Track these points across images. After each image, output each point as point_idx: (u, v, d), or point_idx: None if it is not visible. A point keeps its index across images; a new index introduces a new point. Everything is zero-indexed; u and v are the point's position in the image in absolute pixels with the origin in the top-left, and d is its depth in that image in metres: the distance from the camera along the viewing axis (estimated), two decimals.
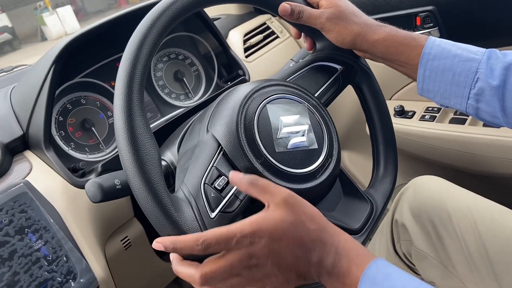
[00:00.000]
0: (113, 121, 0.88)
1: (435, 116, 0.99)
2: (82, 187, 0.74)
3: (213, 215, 0.53)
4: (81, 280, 0.67)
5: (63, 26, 11.58)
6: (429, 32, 0.93)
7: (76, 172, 0.77)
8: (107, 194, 0.59)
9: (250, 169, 0.56)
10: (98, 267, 0.69)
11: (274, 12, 0.69)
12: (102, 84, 0.88)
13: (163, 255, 0.94)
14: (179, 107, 0.98)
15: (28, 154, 0.77)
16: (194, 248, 0.46)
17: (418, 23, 0.93)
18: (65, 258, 0.67)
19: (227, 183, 0.55)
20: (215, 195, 0.54)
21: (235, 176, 0.52)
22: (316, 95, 0.69)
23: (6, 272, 0.62)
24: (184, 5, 0.59)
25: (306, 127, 0.61)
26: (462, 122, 0.95)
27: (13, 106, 0.80)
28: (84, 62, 0.87)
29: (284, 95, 0.63)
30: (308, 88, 0.68)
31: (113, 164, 0.77)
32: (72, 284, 0.66)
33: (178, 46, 1.01)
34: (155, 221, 0.50)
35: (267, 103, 0.61)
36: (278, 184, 0.56)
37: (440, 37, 0.91)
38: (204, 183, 0.54)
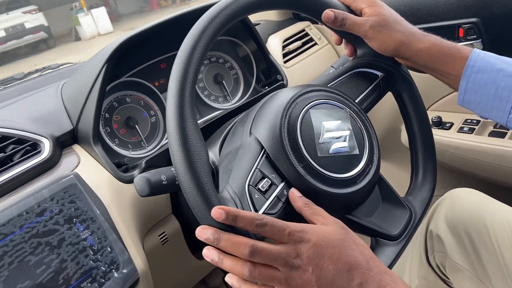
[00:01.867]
0: (154, 120, 0.92)
1: (474, 129, 0.99)
2: (126, 181, 0.77)
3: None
4: (124, 271, 0.69)
5: (97, 26, 11.89)
6: (471, 44, 0.92)
7: (120, 167, 0.80)
8: (154, 189, 0.62)
9: (292, 173, 0.57)
10: (139, 259, 0.72)
11: (317, 19, 0.70)
12: (147, 83, 0.91)
13: (196, 252, 0.96)
14: (218, 109, 1.00)
15: (76, 148, 0.81)
16: (252, 222, 0.49)
17: (461, 34, 0.92)
18: (109, 249, 0.69)
19: (270, 185, 0.57)
20: (259, 196, 0.56)
21: (294, 194, 0.56)
22: (357, 101, 0.70)
23: (55, 259, 0.65)
24: (234, 11, 0.61)
25: (347, 132, 0.63)
26: (502, 135, 0.94)
27: (64, 101, 0.84)
28: (131, 62, 0.90)
29: (326, 100, 0.64)
30: (349, 94, 0.69)
31: (156, 161, 0.80)
32: (115, 274, 0.68)
33: (219, 50, 1.03)
34: (203, 219, 0.52)
35: (310, 108, 0.63)
36: (320, 188, 0.57)
37: (483, 49, 0.91)
38: (249, 185, 0.56)
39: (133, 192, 0.78)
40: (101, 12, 12.00)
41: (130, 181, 0.78)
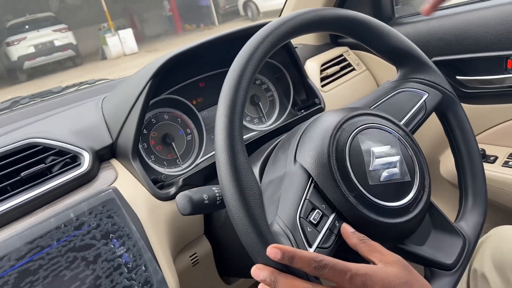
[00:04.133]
0: (190, 138, 0.91)
1: None
2: (162, 199, 0.76)
3: (311, 250, 0.52)
4: None
5: (122, 47, 12.19)
6: None
7: (156, 184, 0.78)
8: (195, 208, 0.60)
9: (344, 203, 0.55)
10: (172, 280, 0.70)
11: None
12: (186, 102, 0.91)
13: (223, 276, 0.93)
14: (253, 130, 0.99)
15: (114, 162, 0.80)
16: (310, 263, 0.46)
17: (509, 66, 0.90)
18: (143, 268, 0.67)
19: (321, 216, 0.54)
20: (312, 229, 0.53)
21: (346, 230, 0.53)
22: (402, 122, 0.68)
23: (90, 275, 0.63)
24: (284, 32, 0.61)
25: (398, 158, 0.60)
26: None
27: (105, 116, 0.84)
28: (170, 80, 0.90)
29: (374, 124, 0.62)
30: (394, 116, 0.66)
31: (193, 179, 0.79)
32: None
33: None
34: (258, 257, 0.50)
35: (358, 134, 0.60)
36: (373, 219, 0.55)
37: None
38: (300, 217, 0.54)
39: (168, 210, 0.76)
40: (127, 33, 12.31)
41: (166, 198, 0.76)
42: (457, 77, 1.00)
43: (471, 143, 0.73)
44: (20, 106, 1.12)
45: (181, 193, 0.60)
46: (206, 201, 0.61)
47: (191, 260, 0.84)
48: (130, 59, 11.18)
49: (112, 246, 0.66)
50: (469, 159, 0.72)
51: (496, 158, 1.00)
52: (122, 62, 10.90)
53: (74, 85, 1.25)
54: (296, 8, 1.19)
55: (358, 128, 0.61)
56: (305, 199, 0.55)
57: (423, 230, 0.63)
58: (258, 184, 0.53)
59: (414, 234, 0.61)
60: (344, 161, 0.57)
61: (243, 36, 0.87)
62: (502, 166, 0.98)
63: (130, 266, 0.67)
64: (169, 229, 0.76)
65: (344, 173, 0.56)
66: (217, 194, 0.62)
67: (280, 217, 0.55)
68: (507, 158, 0.98)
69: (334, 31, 0.70)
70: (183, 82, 0.92)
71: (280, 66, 1.03)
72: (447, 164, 1.09)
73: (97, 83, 1.27)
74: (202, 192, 0.61)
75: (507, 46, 0.90)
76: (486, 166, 0.99)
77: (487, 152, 1.02)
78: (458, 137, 0.73)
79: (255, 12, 12.55)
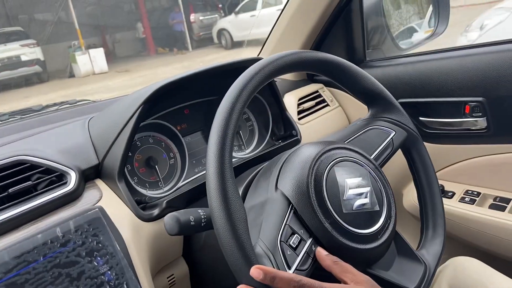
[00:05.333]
0: (173, 162, 0.95)
1: (475, 200, 1.04)
2: (145, 219, 0.79)
3: (290, 272, 0.56)
4: None
5: (92, 66, 12.07)
6: (475, 120, 1.00)
7: (139, 205, 0.81)
8: (182, 229, 0.63)
9: (320, 229, 0.60)
10: None
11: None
12: (171, 127, 0.95)
13: None
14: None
15: (99, 182, 0.83)
16: (289, 283, 0.51)
17: (467, 111, 1.00)
18: (125, 286, 0.70)
19: (300, 241, 0.60)
20: (291, 252, 0.58)
21: (320, 253, 0.59)
22: (372, 157, 0.74)
23: None
24: (271, 71, 0.67)
25: (368, 189, 0.66)
26: (502, 209, 0.99)
27: (92, 137, 0.87)
28: (157, 106, 0.94)
29: (348, 158, 0.68)
30: (365, 151, 0.73)
31: (176, 202, 0.83)
32: None
33: None
34: (242, 277, 0.54)
35: (334, 166, 0.67)
36: (346, 244, 0.60)
37: (486, 127, 0.99)
38: (280, 241, 0.59)
39: (151, 231, 0.79)
40: (98, 52, 12.23)
41: (149, 219, 0.79)
42: (420, 118, 1.10)
43: (432, 179, 0.80)
44: (0, 122, 1.13)
45: (169, 214, 0.63)
46: (192, 223, 0.64)
47: (168, 281, 0.86)
48: (99, 79, 11.05)
49: (96, 263, 0.69)
50: (430, 193, 0.80)
51: (454, 193, 1.09)
52: (90, 81, 10.75)
53: (55, 104, 1.26)
54: (276, 47, 1.27)
55: (334, 161, 0.67)
56: (286, 224, 0.61)
57: (389, 256, 0.69)
58: (244, 209, 0.58)
59: (381, 259, 0.67)
60: (321, 190, 0.63)
61: (228, 69, 0.94)
62: (458, 201, 1.07)
63: (113, 284, 0.69)
64: (150, 249, 0.79)
65: (321, 201, 0.62)
66: (202, 217, 0.66)
67: (262, 240, 0.59)
68: (463, 194, 1.07)
69: (314, 71, 0.77)
70: (169, 108, 0.96)
71: (261, 98, 1.09)
72: (409, 197, 1.17)
73: (78, 103, 1.28)
74: (189, 214, 0.65)
75: (465, 93, 1.00)
76: (444, 200, 1.07)
77: (446, 188, 1.10)
78: (421, 173, 0.81)
79: (228, 40, 12.77)
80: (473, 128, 1.01)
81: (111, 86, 9.48)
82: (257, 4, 12.23)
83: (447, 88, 1.02)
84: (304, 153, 0.68)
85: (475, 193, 1.05)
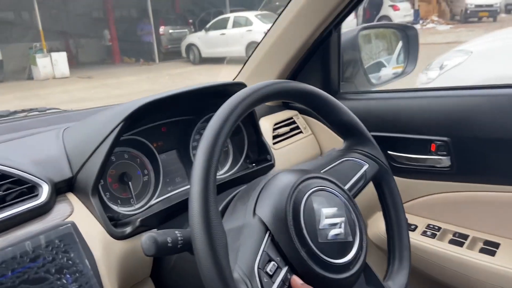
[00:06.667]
0: (147, 179, 0.94)
1: (436, 234, 1.09)
2: (117, 237, 0.78)
3: None
4: None
5: (53, 69, 11.73)
6: (440, 159, 1.06)
7: (110, 221, 0.80)
8: (159, 250, 0.63)
9: (296, 257, 0.61)
10: None
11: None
12: (148, 144, 0.94)
13: None
14: None
15: (70, 196, 0.80)
16: None
17: (432, 149, 1.06)
18: None
19: (276, 268, 0.61)
20: (267, 280, 0.59)
21: (296, 282, 0.60)
22: (346, 187, 0.76)
23: None
24: (256, 98, 0.69)
25: (343, 219, 0.68)
26: (460, 244, 1.04)
27: (66, 149, 0.85)
28: (135, 122, 0.93)
29: (324, 188, 0.70)
30: (340, 181, 0.75)
31: (149, 220, 0.82)
32: None
33: None
34: None
35: (311, 195, 0.68)
36: (320, 273, 0.62)
37: (450, 165, 1.04)
38: (258, 268, 0.59)
39: (122, 249, 0.78)
40: (61, 56, 11.93)
41: (121, 237, 0.78)
42: (389, 151, 1.15)
43: (400, 212, 0.84)
44: None
45: (147, 235, 0.63)
46: (170, 244, 0.64)
47: None
48: (59, 83, 10.74)
49: (65, 281, 0.67)
50: (398, 226, 0.83)
51: (416, 227, 1.14)
52: (50, 85, 10.42)
53: (23, 111, 1.22)
54: (254, 72, 1.29)
55: (312, 190, 0.69)
56: (263, 250, 0.62)
57: (358, 286, 0.71)
58: (225, 235, 0.58)
59: None
60: (298, 218, 0.64)
61: (209, 92, 0.95)
62: (421, 234, 1.11)
63: None
64: (119, 268, 0.77)
65: (298, 229, 0.63)
66: (179, 238, 0.65)
67: (240, 266, 0.60)
68: (425, 228, 1.12)
69: (296, 101, 0.79)
70: (147, 125, 0.96)
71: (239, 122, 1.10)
72: (374, 228, 1.21)
73: (47, 111, 1.25)
74: (166, 235, 0.64)
75: (432, 132, 1.06)
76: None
77: (409, 221, 1.14)
78: (390, 206, 0.84)
79: (197, 56, 12.81)
80: (438, 165, 1.07)
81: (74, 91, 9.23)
82: (227, 23, 12.37)
83: (416, 125, 1.08)
84: (283, 181, 0.69)
85: (436, 227, 1.10)
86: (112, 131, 0.79)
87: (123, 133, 0.81)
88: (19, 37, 12.51)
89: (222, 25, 12.40)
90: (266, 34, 1.22)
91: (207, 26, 12.87)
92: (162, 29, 14.73)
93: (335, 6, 1.03)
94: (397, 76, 1.41)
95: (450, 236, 1.08)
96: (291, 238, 0.62)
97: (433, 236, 1.08)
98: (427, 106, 1.07)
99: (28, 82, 11.46)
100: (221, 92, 0.99)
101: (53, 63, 11.79)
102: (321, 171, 0.78)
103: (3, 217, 0.69)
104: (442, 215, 1.11)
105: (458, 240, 1.05)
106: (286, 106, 1.33)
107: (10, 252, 0.63)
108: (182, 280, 0.83)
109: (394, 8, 13.86)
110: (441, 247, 1.05)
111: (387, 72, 1.65)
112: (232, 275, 0.56)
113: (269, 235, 0.63)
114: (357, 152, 0.84)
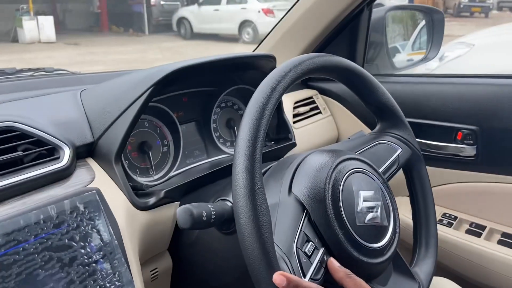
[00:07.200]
0: (166, 150, 0.90)
1: (452, 223, 1.08)
2: (140, 207, 0.74)
3: (305, 280, 0.55)
4: None
5: (39, 33, 11.38)
6: (464, 147, 1.04)
7: (134, 191, 0.76)
8: (195, 224, 0.60)
9: (334, 239, 0.60)
10: None
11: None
12: (170, 112, 0.89)
13: None
14: (225, 153, 1.00)
15: (91, 162, 0.76)
16: None
17: (458, 137, 1.04)
18: (117, 277, 0.65)
19: (314, 249, 0.58)
20: (306, 260, 0.57)
21: (333, 264, 0.58)
22: (380, 171, 0.74)
23: (64, 278, 0.59)
24: (302, 71, 0.65)
25: (379, 203, 0.66)
26: (478, 235, 1.04)
27: (87, 112, 0.79)
28: (162, 89, 0.89)
29: (362, 170, 0.68)
30: (374, 164, 0.73)
31: (173, 193, 0.78)
32: None
33: (236, 97, 1.05)
34: (262, 282, 0.52)
35: (349, 176, 0.66)
36: (355, 256, 0.60)
37: (475, 155, 1.03)
38: (296, 247, 0.57)
39: (144, 220, 0.75)
40: (47, 21, 11.56)
41: (144, 207, 0.74)
42: None
43: (429, 201, 0.82)
44: None
45: (183, 207, 0.59)
46: (204, 218, 0.61)
47: (151, 274, 0.81)
48: (45, 48, 10.44)
49: (89, 250, 0.63)
50: (426, 214, 0.82)
51: None
52: (35, 50, 10.11)
53: (30, 70, 1.15)
54: (277, 45, 1.24)
55: (350, 171, 0.66)
56: (301, 230, 0.59)
57: (386, 272, 0.70)
58: (269, 210, 0.55)
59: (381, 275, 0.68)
60: (337, 199, 0.62)
61: (237, 63, 0.91)
62: (437, 223, 1.10)
63: (105, 273, 0.63)
64: (140, 240, 0.74)
65: (337, 211, 0.61)
66: (213, 213, 0.62)
67: (277, 245, 0.57)
68: (441, 216, 1.11)
69: (335, 77, 0.76)
70: (168, 94, 0.91)
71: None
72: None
73: (55, 72, 1.19)
74: (201, 208, 0.61)
75: (460, 120, 1.04)
76: None
77: None
78: (419, 193, 0.83)
79: (188, 30, 12.56)
80: (461, 154, 1.05)
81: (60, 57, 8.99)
82: None
83: (442, 112, 1.06)
84: (320, 160, 0.67)
85: (452, 216, 1.10)
86: (140, 96, 0.74)
87: (152, 99, 0.76)
88: None
89: (216, 0, 12.14)
90: (293, 5, 1.17)
91: (201, 0, 12.59)
92: (153, 0, 14.36)
93: None
94: (421, 61, 1.38)
95: (466, 226, 1.07)
96: (329, 219, 0.60)
97: (449, 225, 1.07)
98: (456, 93, 1.05)
99: (12, 44, 11.10)
100: (248, 65, 0.95)
101: (39, 26, 11.43)
102: (356, 153, 0.75)
103: (24, 178, 0.64)
104: (458, 205, 1.10)
105: (475, 230, 1.04)
106: (306, 85, 1.29)
107: (34, 217, 0.59)
108: (201, 255, 0.81)
109: None
110: (458, 236, 1.05)
111: (401, 58, 1.62)
112: (276, 256, 0.53)
113: (306, 214, 0.61)
114: (391, 135, 0.82)
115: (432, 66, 3.46)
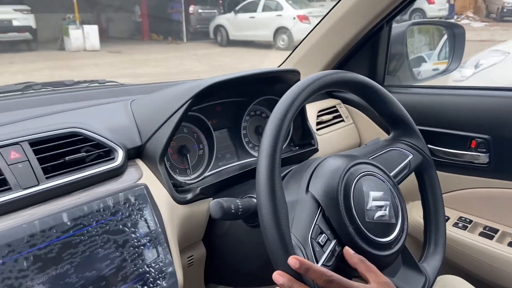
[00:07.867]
0: (201, 153, 1.02)
1: (467, 226, 1.15)
2: (179, 202, 0.86)
3: (318, 265, 0.64)
4: (170, 281, 0.77)
5: (84, 42, 11.92)
6: (478, 155, 1.11)
7: (175, 187, 0.88)
8: (224, 215, 0.71)
9: (344, 232, 0.69)
10: (180, 274, 0.80)
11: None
12: (206, 120, 1.01)
13: (208, 284, 1.03)
14: (253, 156, 1.11)
15: (139, 162, 0.89)
16: (321, 276, 0.59)
17: (472, 145, 1.11)
18: (161, 259, 0.77)
19: (327, 240, 0.68)
20: (319, 249, 0.67)
21: (348, 252, 0.66)
22: (391, 174, 0.83)
23: (118, 256, 0.72)
24: (320, 85, 0.75)
25: (388, 203, 0.75)
26: (490, 237, 1.10)
27: (136, 119, 0.93)
28: (200, 100, 1.01)
29: (373, 173, 0.77)
30: (386, 168, 0.82)
31: (208, 190, 0.90)
32: (164, 284, 0.76)
33: (264, 106, 1.17)
34: (279, 264, 0.61)
35: (361, 178, 0.75)
36: (364, 248, 0.69)
37: (488, 162, 1.09)
38: (311, 238, 0.67)
39: (182, 213, 0.86)
40: (92, 29, 12.08)
41: (182, 202, 0.86)
42: (428, 145, 1.20)
43: (438, 202, 0.90)
44: (32, 91, 1.17)
45: (215, 200, 0.71)
46: (233, 211, 0.72)
47: (188, 261, 0.93)
48: (90, 56, 10.91)
49: (138, 235, 0.76)
50: (435, 214, 0.90)
51: (449, 218, 1.20)
52: (81, 57, 10.61)
53: (85, 82, 1.31)
54: (302, 59, 1.35)
55: (361, 173, 0.76)
56: (315, 223, 0.69)
57: (395, 264, 0.78)
58: (287, 206, 0.66)
59: (389, 267, 0.76)
60: (349, 198, 0.71)
61: (265, 77, 1.02)
62: (452, 226, 1.18)
63: (150, 255, 0.76)
64: (179, 230, 0.86)
65: (348, 208, 0.70)
66: (240, 207, 0.73)
67: (294, 235, 0.68)
68: (457, 220, 1.18)
69: (350, 90, 0.86)
70: (204, 104, 1.03)
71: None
72: (410, 214, 1.27)
73: (106, 83, 1.34)
74: (230, 202, 0.72)
75: (474, 129, 1.11)
76: None
77: None
78: (429, 195, 0.90)
79: (224, 37, 12.81)
80: (475, 161, 1.12)
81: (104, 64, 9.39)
82: (257, 6, 12.31)
83: (458, 122, 1.13)
84: (335, 164, 0.76)
85: (468, 220, 1.16)
86: (181, 106, 0.87)
87: (191, 109, 0.89)
88: (53, 7, 12.71)
89: (252, 8, 12.34)
90: (319, 22, 1.28)
91: (237, 8, 12.84)
92: (192, 8, 14.75)
93: (390, 3, 1.08)
94: (440, 73, 1.45)
95: (480, 229, 1.13)
96: (341, 215, 0.69)
97: (464, 228, 1.14)
98: (471, 104, 1.12)
99: (59, 52, 11.67)
100: (275, 78, 1.06)
101: (84, 35, 11.96)
102: (369, 158, 0.85)
103: (86, 175, 0.78)
104: (474, 209, 1.16)
105: (488, 233, 1.10)
106: (330, 95, 1.39)
107: (96, 205, 0.72)
108: (232, 245, 0.92)
109: (429, 1, 13.49)
110: (471, 238, 1.11)
111: (427, 67, 1.68)
112: (292, 242, 0.63)
113: (320, 210, 0.70)
114: (403, 142, 0.90)
115: (467, 74, 3.46)
